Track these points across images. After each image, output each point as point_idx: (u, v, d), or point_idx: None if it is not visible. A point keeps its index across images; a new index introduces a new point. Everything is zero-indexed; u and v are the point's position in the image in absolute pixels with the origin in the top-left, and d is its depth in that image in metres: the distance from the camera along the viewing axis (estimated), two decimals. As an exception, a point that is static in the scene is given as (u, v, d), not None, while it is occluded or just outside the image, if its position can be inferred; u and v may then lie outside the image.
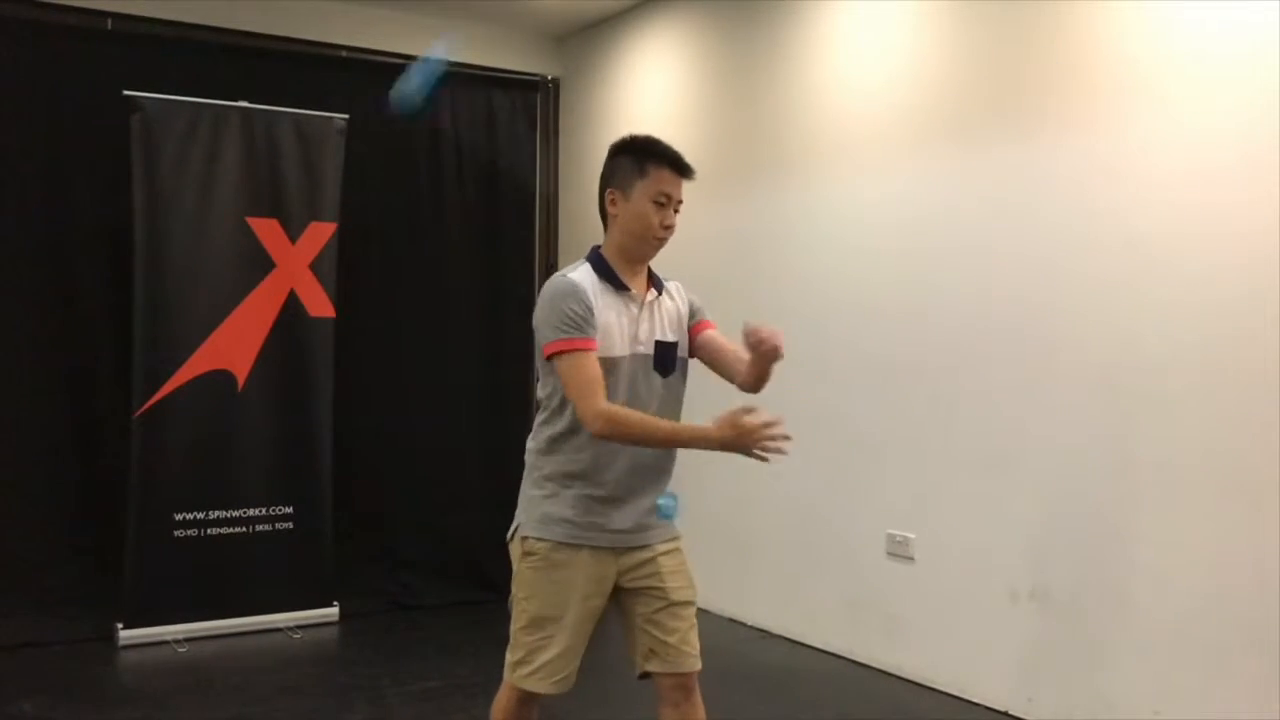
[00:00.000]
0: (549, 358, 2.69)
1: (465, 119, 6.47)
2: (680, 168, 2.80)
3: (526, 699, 2.84)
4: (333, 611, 5.45)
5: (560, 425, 2.76)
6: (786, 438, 2.71)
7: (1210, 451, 3.57)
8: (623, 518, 2.78)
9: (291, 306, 5.36)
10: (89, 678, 4.63)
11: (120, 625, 4.99)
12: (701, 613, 5.58)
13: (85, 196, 5.49)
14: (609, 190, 2.81)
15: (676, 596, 2.85)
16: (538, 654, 2.77)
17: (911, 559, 4.61)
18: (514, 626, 2.82)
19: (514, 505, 2.89)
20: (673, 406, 2.88)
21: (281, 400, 5.36)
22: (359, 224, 5.85)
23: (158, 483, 5.08)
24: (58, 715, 4.17)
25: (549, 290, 2.75)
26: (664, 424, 2.71)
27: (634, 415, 2.67)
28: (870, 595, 4.80)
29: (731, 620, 5.50)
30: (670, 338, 2.86)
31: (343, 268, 5.53)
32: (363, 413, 5.97)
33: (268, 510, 5.33)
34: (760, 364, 2.83)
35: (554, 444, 2.78)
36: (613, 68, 6.51)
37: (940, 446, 4.49)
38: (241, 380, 5.26)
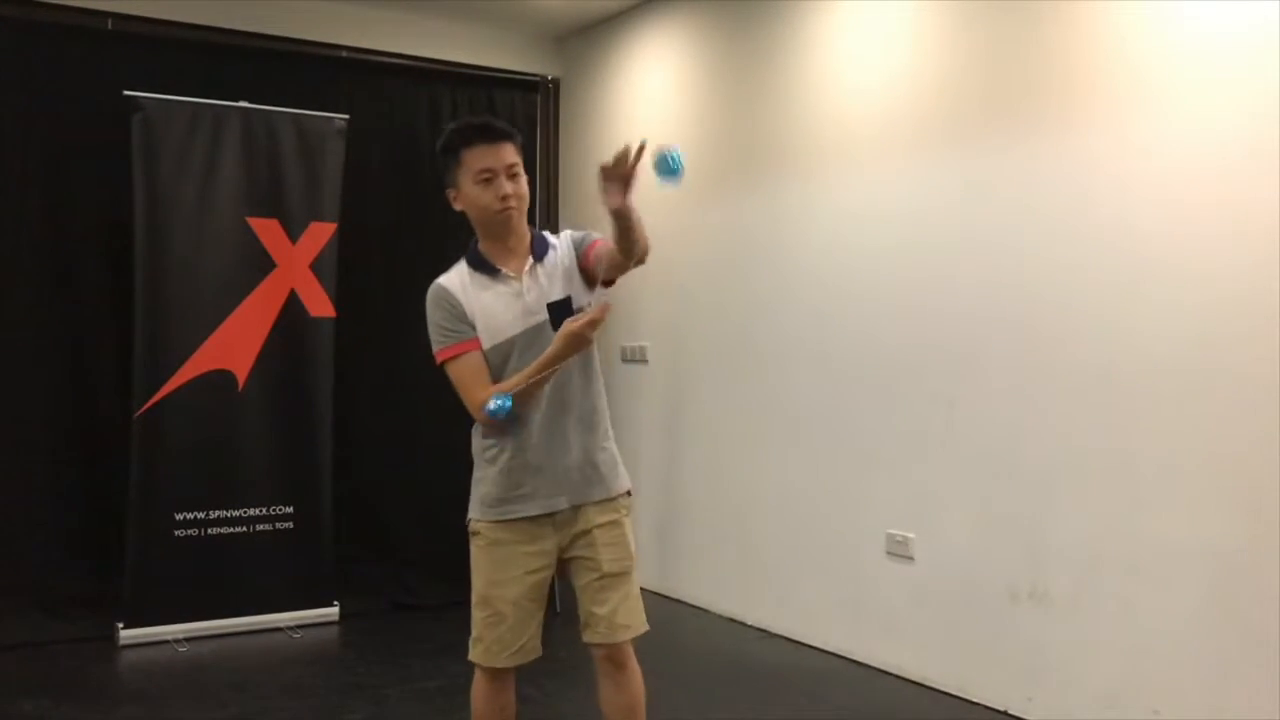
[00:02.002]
0: (440, 365, 2.86)
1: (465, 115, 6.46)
2: (488, 133, 2.80)
3: (496, 678, 2.93)
4: (333, 611, 5.46)
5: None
6: (606, 307, 2.68)
7: (1210, 451, 3.58)
8: (549, 484, 2.86)
9: (292, 306, 5.36)
10: (89, 677, 4.63)
11: (121, 625, 5.00)
12: (701, 612, 5.66)
13: (86, 196, 5.49)
14: (447, 190, 2.88)
15: (609, 568, 2.91)
16: (489, 630, 2.88)
17: (911, 559, 4.61)
18: (474, 606, 2.93)
19: None
20: (583, 355, 2.85)
21: (282, 400, 5.37)
22: (359, 224, 5.85)
23: (158, 482, 5.08)
24: (58, 714, 4.18)
25: (427, 299, 2.94)
26: (526, 370, 2.76)
27: (505, 384, 2.78)
28: (870, 595, 4.80)
29: (732, 620, 5.50)
30: (559, 295, 2.87)
31: (343, 268, 5.53)
32: (363, 412, 5.97)
33: (268, 510, 5.34)
34: (618, 222, 2.63)
35: (476, 428, 2.94)
36: (613, 68, 6.51)
37: (940, 446, 4.49)
38: (242, 380, 5.26)
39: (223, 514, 5.22)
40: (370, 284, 6.05)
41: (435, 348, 2.88)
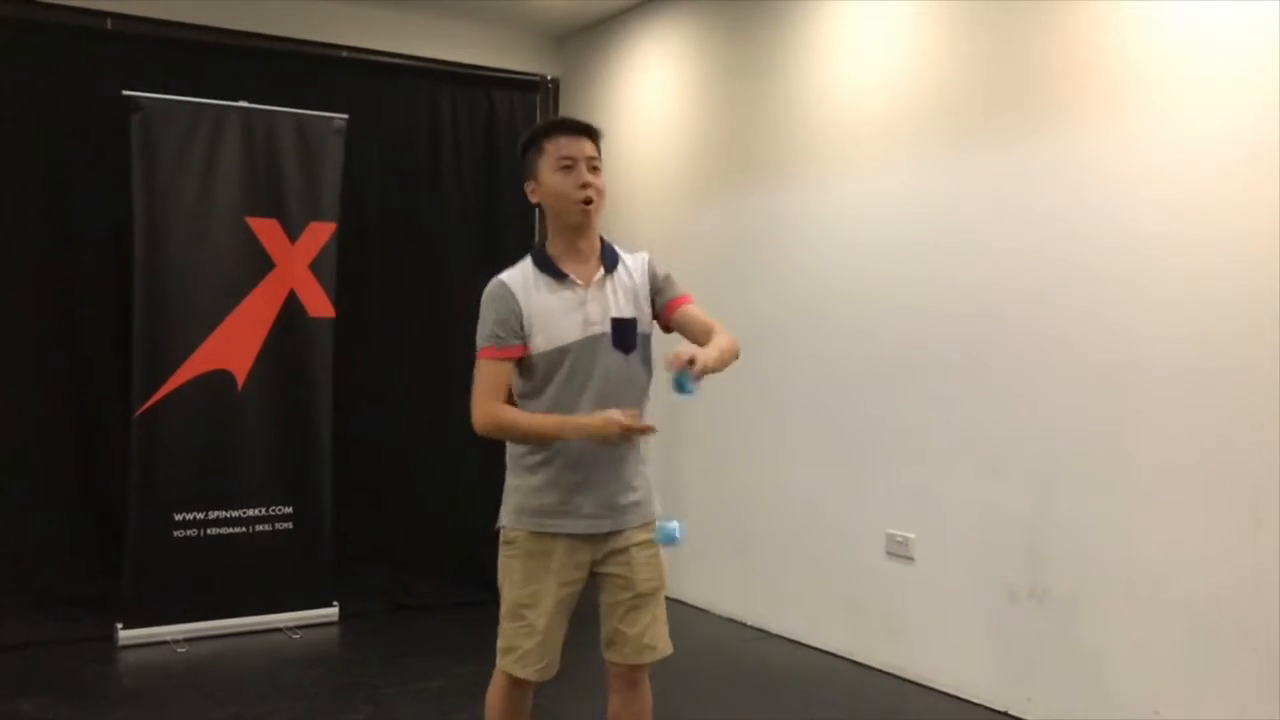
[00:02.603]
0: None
1: (465, 119, 6.46)
2: (573, 127, 2.82)
3: (518, 685, 2.88)
4: (332, 611, 5.45)
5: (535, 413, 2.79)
6: (651, 429, 2.75)
7: (1209, 450, 3.57)
8: (590, 503, 2.80)
9: (291, 306, 5.35)
10: (88, 678, 4.62)
11: (120, 625, 4.99)
12: (701, 613, 5.65)
13: (85, 196, 5.49)
14: (526, 184, 2.86)
15: (643, 588, 2.88)
16: (520, 641, 2.82)
17: (911, 559, 4.61)
18: (503, 614, 2.86)
19: None
20: (637, 383, 2.86)
21: (281, 400, 5.36)
22: (359, 224, 5.86)
23: (157, 483, 5.08)
24: (57, 715, 4.17)
25: (486, 292, 2.82)
26: (550, 419, 2.73)
27: (520, 416, 2.74)
28: (870, 595, 4.80)
29: (732, 620, 5.50)
30: (627, 314, 2.82)
31: (342, 268, 5.52)
32: (362, 412, 5.97)
33: (267, 510, 5.33)
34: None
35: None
36: (613, 68, 6.51)
37: (940, 446, 4.49)
38: (241, 380, 5.25)
39: (222, 514, 5.21)
40: (369, 284, 6.04)
41: (478, 344, 2.78)
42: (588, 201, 2.77)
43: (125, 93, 5.03)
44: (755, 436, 5.45)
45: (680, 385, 2.61)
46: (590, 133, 2.83)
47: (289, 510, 5.38)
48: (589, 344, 2.76)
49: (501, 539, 2.88)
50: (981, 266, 4.32)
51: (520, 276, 2.80)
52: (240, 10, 5.83)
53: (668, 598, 6.18)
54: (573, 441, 2.74)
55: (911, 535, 4.61)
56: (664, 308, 2.89)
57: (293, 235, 5.36)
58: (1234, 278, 3.51)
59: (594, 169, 2.80)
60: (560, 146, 2.78)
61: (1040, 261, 4.10)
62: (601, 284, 2.81)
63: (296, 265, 5.37)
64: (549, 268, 2.81)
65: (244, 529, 5.27)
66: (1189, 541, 3.63)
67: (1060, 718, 4.00)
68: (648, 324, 2.88)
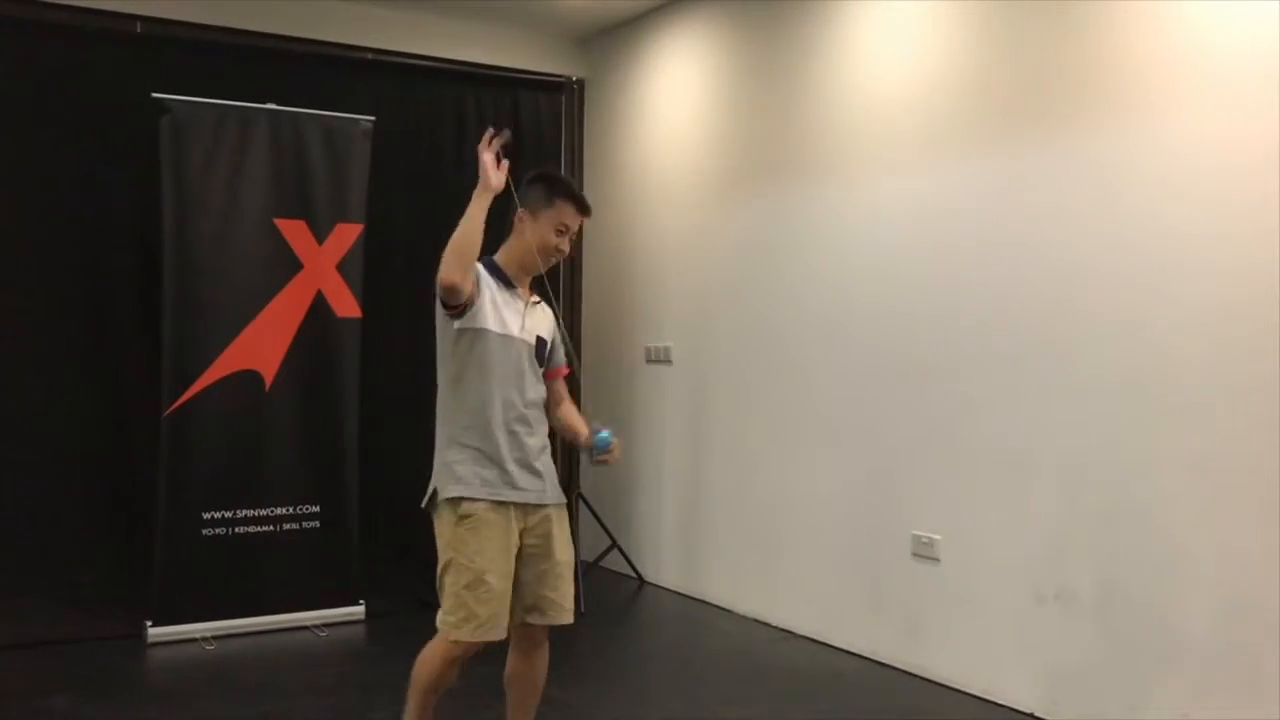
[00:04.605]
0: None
1: (491, 120, 6.46)
2: (583, 207, 3.28)
3: (458, 656, 3.08)
4: (359, 610, 5.48)
5: (469, 395, 3.14)
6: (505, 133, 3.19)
7: (1237, 452, 3.55)
8: (520, 477, 3.14)
9: (319, 307, 5.38)
10: (118, 674, 4.67)
11: (149, 622, 5.03)
12: (724, 612, 5.66)
13: (115, 198, 5.55)
14: (521, 210, 3.25)
15: (561, 556, 3.23)
16: (483, 606, 3.04)
17: (937, 560, 4.59)
18: (454, 587, 3.08)
19: None
20: (538, 391, 3.26)
21: (309, 400, 5.39)
22: (385, 225, 5.88)
23: (186, 482, 5.12)
24: (87, 711, 4.22)
25: None
26: (469, 211, 3.08)
27: (454, 236, 3.04)
28: (895, 596, 4.79)
29: (756, 620, 5.50)
30: (546, 337, 3.32)
31: (369, 268, 5.56)
32: (389, 412, 6.00)
33: (295, 509, 5.36)
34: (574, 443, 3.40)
35: (453, 413, 3.16)
36: (638, 68, 6.52)
37: (966, 447, 4.47)
38: (269, 380, 5.29)
39: (250, 513, 5.25)
40: (396, 284, 6.07)
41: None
42: (553, 260, 3.30)
43: (154, 95, 5.08)
44: (779, 437, 5.45)
45: (602, 443, 3.23)
46: (588, 216, 3.32)
47: (316, 509, 5.41)
48: (520, 345, 3.19)
49: (456, 511, 3.09)
50: (1007, 267, 4.30)
51: (482, 271, 3.18)
52: (268, 13, 5.87)
53: (691, 596, 6.24)
54: (501, 420, 3.11)
55: (937, 536, 4.60)
56: (549, 366, 3.33)
57: (320, 236, 5.40)
58: (1262, 278, 3.48)
59: (573, 240, 3.34)
60: (566, 215, 3.25)
61: (1066, 262, 4.08)
62: (531, 309, 3.28)
63: (324, 266, 5.40)
64: (501, 276, 3.23)
65: (272, 527, 5.30)
66: (1217, 543, 3.61)
67: (1087, 720, 3.99)
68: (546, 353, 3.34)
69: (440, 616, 3.12)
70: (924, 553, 4.64)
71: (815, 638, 5.17)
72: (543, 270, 3.27)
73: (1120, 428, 3.90)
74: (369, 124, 5.56)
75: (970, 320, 4.45)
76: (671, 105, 6.23)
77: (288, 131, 5.38)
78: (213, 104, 5.20)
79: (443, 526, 3.14)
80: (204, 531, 5.13)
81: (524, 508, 3.15)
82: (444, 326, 3.16)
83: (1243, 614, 3.54)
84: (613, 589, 6.12)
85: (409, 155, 6.23)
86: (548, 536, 3.20)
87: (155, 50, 5.59)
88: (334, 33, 6.07)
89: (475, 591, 3.04)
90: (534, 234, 3.22)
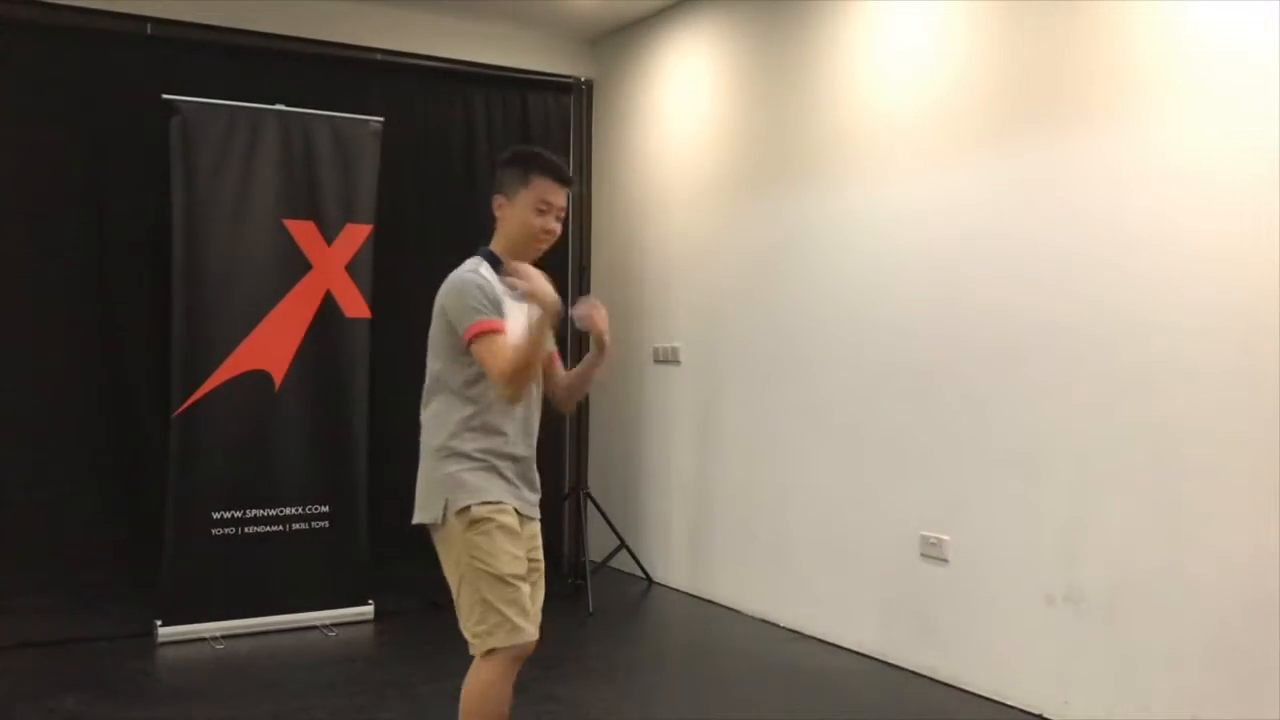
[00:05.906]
0: (470, 340, 2.89)
1: (499, 120, 6.51)
2: (561, 177, 3.04)
3: (503, 671, 3.00)
4: (368, 610, 5.49)
5: (477, 405, 2.96)
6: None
7: (1248, 453, 3.53)
8: (523, 487, 3.07)
9: (328, 307, 5.40)
10: (128, 673, 4.68)
11: (159, 622, 5.06)
12: (733, 613, 5.65)
13: (125, 199, 5.57)
14: (496, 196, 3.04)
15: (541, 568, 3.15)
16: (512, 608, 2.94)
17: (946, 561, 4.59)
18: (478, 596, 2.96)
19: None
20: (539, 394, 3.15)
21: (318, 400, 5.41)
22: (395, 225, 5.89)
23: (196, 482, 5.13)
24: (97, 710, 4.23)
25: (457, 284, 2.98)
26: (519, 341, 2.88)
27: (515, 354, 2.84)
28: (904, 597, 4.78)
29: (765, 621, 5.49)
30: None
31: (378, 269, 5.57)
32: (398, 413, 5.95)
33: (304, 509, 5.38)
34: (586, 366, 3.20)
35: (469, 422, 2.97)
36: (646, 69, 6.52)
37: (975, 448, 4.47)
38: (279, 381, 5.31)
39: (259, 513, 5.27)
40: (405, 285, 6.07)
41: (471, 320, 2.89)
42: (543, 243, 3.05)
43: (164, 96, 5.10)
44: (789, 437, 5.45)
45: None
46: (571, 185, 3.09)
47: (325, 509, 5.43)
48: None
49: (469, 520, 2.94)
50: (1018, 267, 4.30)
51: (486, 272, 3.00)
52: (278, 15, 5.89)
53: (699, 597, 6.24)
54: (510, 432, 3.00)
55: (946, 537, 4.59)
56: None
57: (329, 237, 5.41)
58: (1273, 277, 3.47)
59: (559, 218, 3.06)
60: (544, 190, 3.00)
61: (1077, 262, 4.07)
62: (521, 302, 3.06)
63: (333, 266, 5.42)
64: (502, 270, 3.00)
65: (281, 527, 5.32)
66: (1226, 544, 3.60)
67: (1096, 721, 3.98)
68: None
69: (469, 634, 3.02)
70: (933, 554, 4.64)
71: (824, 638, 5.16)
72: (534, 258, 3.06)
73: (1130, 429, 3.89)
74: (378, 125, 5.58)
75: (979, 321, 4.45)
76: (680, 106, 6.23)
77: (297, 132, 5.39)
78: (222, 105, 5.22)
79: (451, 538, 2.98)
80: (213, 531, 5.15)
81: (523, 518, 3.07)
82: (453, 335, 2.97)
83: (1252, 615, 3.52)
84: (621, 589, 6.12)
85: (418, 156, 6.24)
86: (536, 550, 3.13)
87: (165, 52, 5.61)
88: (343, 34, 6.09)
89: (499, 592, 2.92)
90: (515, 220, 3.01)
